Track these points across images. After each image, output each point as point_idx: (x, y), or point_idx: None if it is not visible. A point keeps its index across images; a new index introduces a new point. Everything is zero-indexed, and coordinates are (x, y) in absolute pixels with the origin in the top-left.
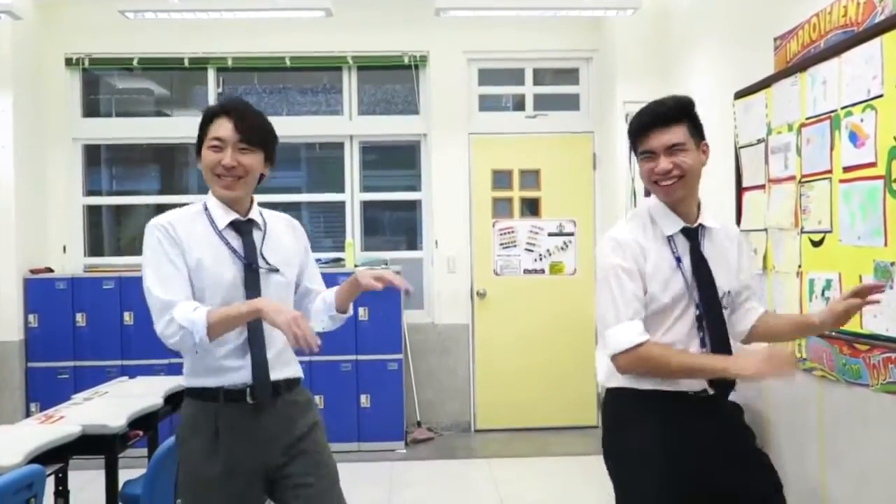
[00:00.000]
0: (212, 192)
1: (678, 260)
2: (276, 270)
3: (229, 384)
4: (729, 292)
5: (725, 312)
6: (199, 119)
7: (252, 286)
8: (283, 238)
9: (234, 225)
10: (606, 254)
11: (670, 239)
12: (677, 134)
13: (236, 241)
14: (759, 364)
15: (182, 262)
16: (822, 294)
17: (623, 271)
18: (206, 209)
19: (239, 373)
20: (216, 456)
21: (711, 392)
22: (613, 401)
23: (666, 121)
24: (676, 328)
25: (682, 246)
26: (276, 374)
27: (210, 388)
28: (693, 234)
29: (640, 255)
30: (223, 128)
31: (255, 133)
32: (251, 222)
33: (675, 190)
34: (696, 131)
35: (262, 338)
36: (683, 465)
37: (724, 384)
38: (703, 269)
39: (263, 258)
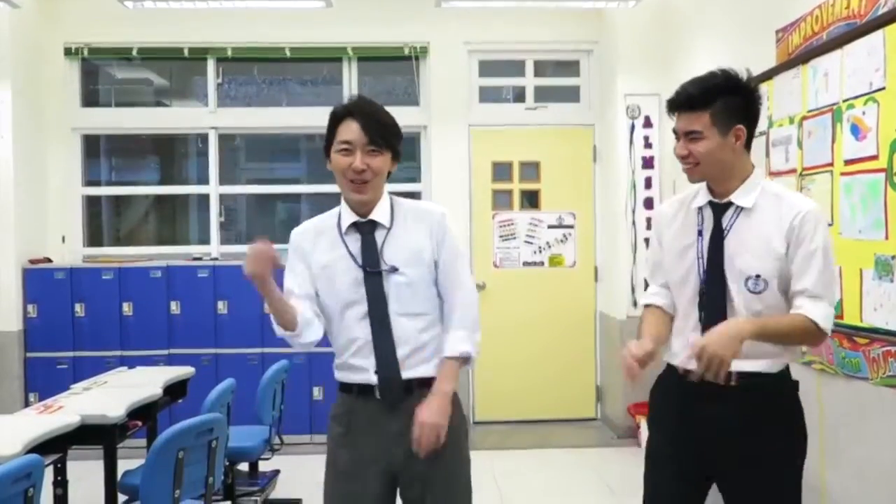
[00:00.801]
0: (343, 196)
1: (699, 233)
2: (395, 270)
3: (361, 381)
4: (758, 276)
5: (755, 297)
6: (198, 109)
7: (372, 286)
8: (409, 234)
9: (356, 226)
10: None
11: (699, 211)
12: (696, 122)
13: (356, 244)
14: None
15: (302, 269)
16: None
17: (651, 241)
18: (338, 213)
19: (367, 372)
20: (347, 447)
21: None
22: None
23: (689, 106)
24: (683, 298)
25: (709, 220)
26: (408, 373)
27: (347, 383)
28: (718, 209)
29: (663, 225)
30: (351, 130)
31: (383, 134)
32: (372, 223)
33: (694, 174)
34: (731, 113)
35: (390, 337)
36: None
37: (762, 376)
38: (715, 244)
39: (383, 259)
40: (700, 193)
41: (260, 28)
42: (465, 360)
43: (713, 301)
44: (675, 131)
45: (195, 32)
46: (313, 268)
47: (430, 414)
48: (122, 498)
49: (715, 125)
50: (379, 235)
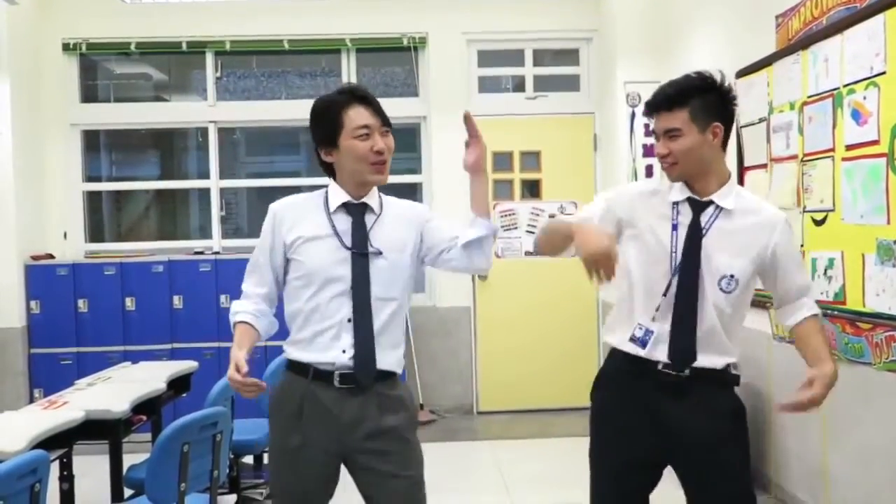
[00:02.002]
0: (338, 180)
1: (674, 227)
2: (379, 254)
3: (320, 362)
4: (732, 276)
5: (725, 296)
6: (197, 103)
7: (359, 267)
8: (397, 225)
9: (346, 207)
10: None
11: (675, 206)
12: (674, 119)
13: (345, 223)
14: (592, 247)
15: (272, 242)
16: (825, 273)
17: (603, 199)
18: (325, 193)
19: (329, 353)
20: (297, 428)
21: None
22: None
23: (667, 105)
24: (647, 284)
25: (685, 215)
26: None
27: (302, 363)
28: (698, 207)
29: (628, 205)
30: (363, 115)
31: (388, 116)
32: (364, 205)
33: (673, 172)
34: (707, 112)
35: (370, 320)
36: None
37: (681, 359)
38: (693, 241)
39: (370, 241)
40: (676, 188)
41: (258, 21)
42: (488, 230)
43: (686, 296)
44: (654, 132)
45: (193, 26)
46: (292, 240)
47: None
48: (127, 492)
49: (694, 122)
50: (369, 219)
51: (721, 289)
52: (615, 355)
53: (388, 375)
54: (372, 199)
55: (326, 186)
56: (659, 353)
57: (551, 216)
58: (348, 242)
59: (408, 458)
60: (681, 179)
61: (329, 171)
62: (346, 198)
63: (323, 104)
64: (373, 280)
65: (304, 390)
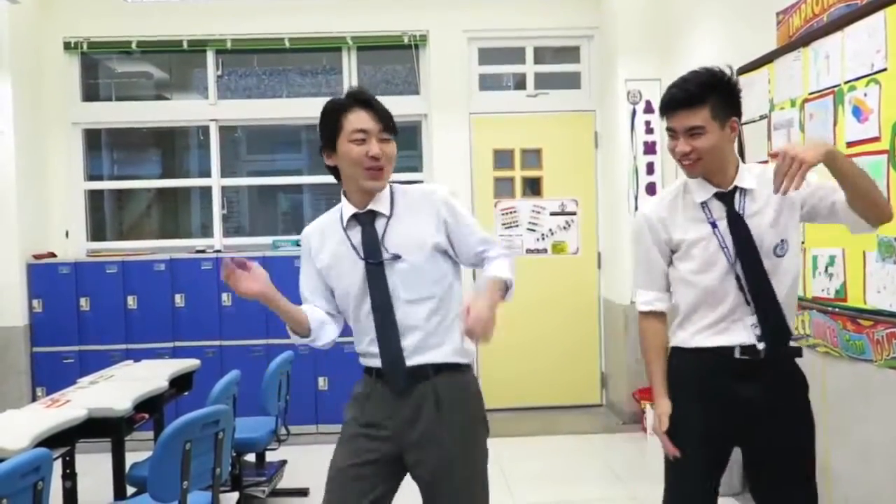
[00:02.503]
0: (344, 192)
1: (713, 225)
2: (398, 258)
3: (378, 366)
4: (782, 240)
5: (784, 259)
6: (198, 101)
7: (375, 278)
8: (411, 219)
9: (356, 218)
10: (632, 238)
11: (704, 205)
12: (697, 117)
13: (358, 236)
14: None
15: (312, 271)
16: (826, 270)
17: (640, 251)
18: (341, 208)
19: (377, 359)
20: (361, 422)
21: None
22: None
23: (688, 103)
24: (720, 289)
25: (718, 210)
26: (419, 359)
27: (368, 366)
28: (728, 198)
29: (654, 229)
30: (363, 119)
31: (391, 122)
32: (372, 213)
33: (696, 169)
34: (725, 107)
35: (394, 327)
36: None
37: (775, 342)
38: (739, 228)
39: (384, 247)
40: (696, 188)
41: (259, 19)
42: (507, 286)
43: (756, 278)
44: (671, 130)
45: (194, 25)
46: (322, 267)
47: (480, 305)
48: (130, 490)
49: (714, 119)
50: (379, 225)
51: (777, 255)
52: (690, 353)
53: (446, 368)
54: (379, 203)
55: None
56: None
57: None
58: (363, 254)
59: (466, 457)
60: (700, 175)
61: (336, 175)
62: (353, 210)
63: (327, 106)
64: (399, 285)
65: (370, 388)
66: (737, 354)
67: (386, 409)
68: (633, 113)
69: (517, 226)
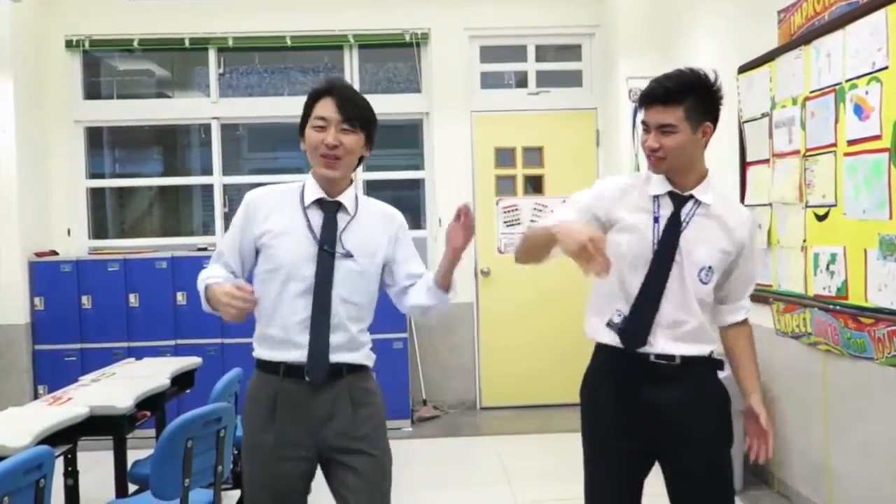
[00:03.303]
0: (312, 172)
1: (655, 220)
2: (350, 256)
3: (290, 360)
4: (710, 267)
5: (704, 287)
6: (200, 99)
7: (323, 266)
8: (370, 227)
9: (320, 203)
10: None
11: (655, 199)
12: (670, 115)
13: (318, 219)
14: (577, 239)
15: (242, 233)
16: (827, 268)
17: (574, 202)
18: (303, 186)
19: (300, 350)
20: (271, 426)
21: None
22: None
23: (664, 100)
24: (626, 276)
25: (666, 208)
26: (339, 357)
27: (272, 362)
28: (679, 200)
29: (607, 203)
30: (326, 108)
31: (357, 114)
32: (338, 204)
33: (660, 166)
34: (701, 111)
35: (327, 320)
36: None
37: (631, 340)
38: (671, 232)
39: (341, 242)
40: (655, 181)
41: (260, 17)
42: (441, 303)
43: (653, 284)
44: (644, 123)
45: (196, 23)
46: (260, 232)
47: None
48: (132, 488)
49: (687, 120)
50: (342, 219)
51: (700, 280)
52: (604, 349)
53: (358, 369)
54: (346, 197)
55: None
56: (690, 351)
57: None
58: (319, 239)
59: (376, 451)
60: (666, 171)
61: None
62: (320, 194)
63: (308, 93)
64: (340, 281)
65: (276, 386)
66: (652, 358)
67: (297, 410)
68: (635, 111)
69: (519, 224)
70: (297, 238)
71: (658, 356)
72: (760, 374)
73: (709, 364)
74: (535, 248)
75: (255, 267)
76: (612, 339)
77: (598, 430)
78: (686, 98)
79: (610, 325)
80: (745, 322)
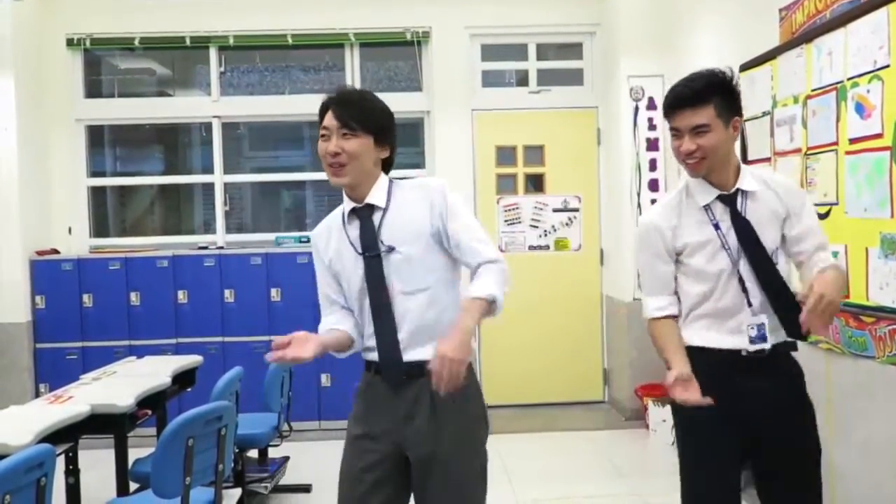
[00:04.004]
0: None
1: (716, 227)
2: (392, 249)
3: (375, 360)
4: (777, 248)
5: (782, 265)
6: (201, 98)
7: (371, 270)
8: (406, 210)
9: (355, 212)
10: (637, 246)
11: (707, 208)
12: (702, 116)
13: (356, 231)
14: (677, 391)
15: (323, 268)
16: None
17: (648, 259)
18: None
19: (375, 352)
20: (362, 422)
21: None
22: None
23: (693, 102)
24: (728, 293)
25: (721, 213)
26: (414, 355)
27: (368, 360)
28: (730, 200)
29: (664, 237)
30: (327, 117)
31: (355, 118)
32: (368, 207)
33: (700, 168)
34: (728, 107)
35: (391, 320)
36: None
37: (782, 344)
38: (745, 230)
39: (380, 240)
40: (699, 191)
41: (261, 16)
42: (490, 303)
43: (769, 277)
44: (675, 129)
45: (197, 21)
46: (328, 262)
47: (449, 348)
48: (133, 486)
49: (720, 117)
50: (376, 218)
51: (774, 260)
52: (698, 354)
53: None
54: (375, 196)
55: None
56: (775, 339)
57: (654, 319)
58: (360, 248)
59: (461, 457)
60: (702, 175)
61: None
62: (351, 204)
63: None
64: (395, 276)
65: (369, 381)
66: (744, 352)
67: (382, 405)
68: (636, 109)
69: (519, 222)
70: (348, 257)
71: (751, 348)
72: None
73: (790, 346)
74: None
75: None
76: (755, 346)
77: (700, 439)
78: (713, 96)
79: (753, 340)
80: (832, 267)
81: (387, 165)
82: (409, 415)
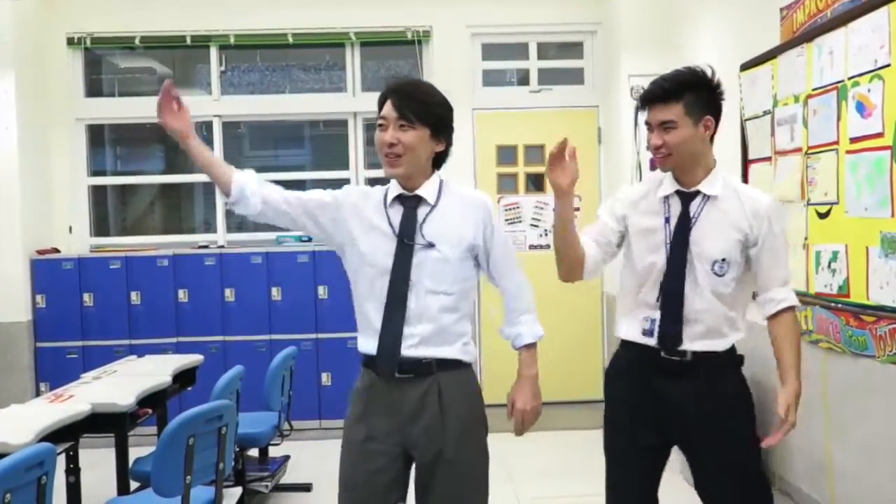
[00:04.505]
0: None
1: (667, 220)
2: (432, 246)
3: (371, 352)
4: (724, 259)
5: (720, 279)
6: (201, 97)
7: (401, 258)
8: (454, 215)
9: (400, 199)
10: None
11: (665, 200)
12: (670, 112)
13: (397, 216)
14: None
15: (328, 200)
16: (829, 266)
17: (602, 211)
18: (387, 188)
19: (374, 339)
20: (364, 423)
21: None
22: None
23: (663, 98)
24: (647, 280)
25: (676, 207)
26: (425, 352)
27: (368, 354)
28: (686, 198)
29: (628, 205)
30: (385, 107)
31: (414, 109)
32: (417, 198)
33: (666, 163)
34: (700, 106)
35: (402, 313)
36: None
37: (666, 343)
38: (681, 230)
39: (421, 233)
40: (665, 183)
41: (262, 15)
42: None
43: (672, 282)
44: (647, 124)
45: (197, 20)
46: (347, 223)
47: (526, 400)
48: (133, 485)
49: (688, 115)
50: (422, 211)
51: (715, 273)
52: (624, 347)
53: (452, 365)
54: (426, 189)
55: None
56: (700, 347)
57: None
58: (397, 234)
59: (467, 454)
60: (671, 170)
61: None
62: (399, 190)
63: None
64: (427, 273)
65: (371, 380)
66: (663, 353)
67: (385, 405)
68: (637, 109)
69: (520, 221)
70: (381, 235)
71: (669, 352)
72: (793, 369)
73: (723, 359)
74: (558, 239)
75: (344, 262)
76: (646, 340)
77: (615, 424)
78: (684, 94)
79: (645, 333)
80: (782, 312)
81: (438, 160)
82: (415, 414)
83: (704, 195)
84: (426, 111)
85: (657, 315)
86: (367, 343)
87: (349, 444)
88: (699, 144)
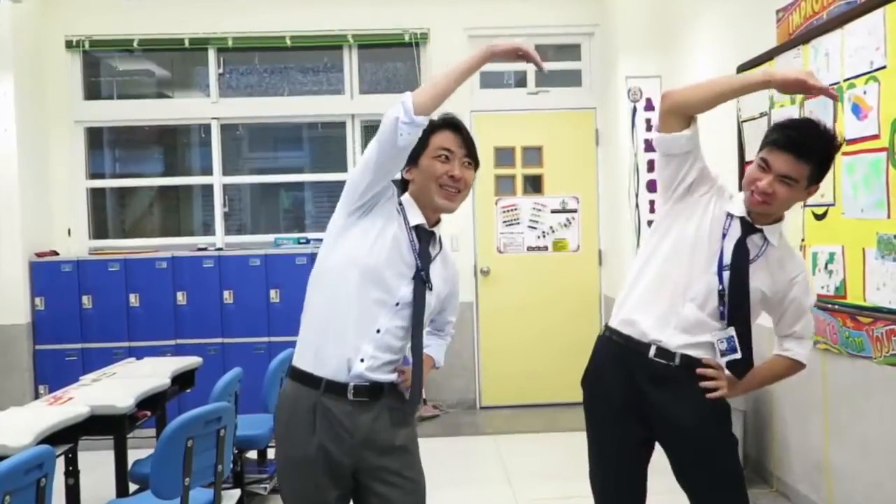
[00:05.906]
0: (414, 198)
1: (724, 235)
2: (430, 289)
3: (331, 377)
4: (765, 292)
5: (761, 310)
6: (200, 99)
7: (419, 291)
8: (444, 264)
9: (417, 229)
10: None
11: (729, 216)
12: (799, 169)
13: (416, 243)
14: (798, 72)
15: (384, 188)
16: (826, 267)
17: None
18: (400, 204)
19: (346, 364)
20: (309, 443)
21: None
22: None
23: (799, 153)
24: (695, 267)
25: (735, 230)
26: (381, 376)
27: (313, 376)
28: (749, 229)
29: (718, 193)
30: (449, 140)
31: (475, 151)
32: (433, 235)
33: (758, 207)
34: (818, 174)
35: (420, 343)
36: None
37: (743, 368)
38: (739, 255)
39: (427, 273)
40: (737, 203)
41: (260, 17)
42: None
43: (737, 300)
44: (765, 161)
45: (195, 23)
46: (382, 223)
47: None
48: (132, 487)
49: (808, 178)
50: (432, 251)
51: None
52: (608, 344)
53: (392, 386)
54: (441, 232)
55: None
56: (693, 352)
57: None
58: (416, 265)
59: (415, 471)
60: (758, 213)
61: (403, 189)
62: (421, 220)
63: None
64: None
65: (314, 402)
66: (651, 355)
67: (336, 429)
68: (634, 110)
69: (518, 223)
70: (404, 250)
71: (657, 354)
72: (752, 384)
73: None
74: (721, 96)
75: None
76: (724, 359)
77: (598, 419)
78: (817, 158)
79: (723, 353)
80: (787, 359)
81: None
82: (369, 436)
83: (766, 241)
84: (477, 157)
85: (727, 335)
86: (338, 364)
87: (293, 463)
88: (792, 205)
